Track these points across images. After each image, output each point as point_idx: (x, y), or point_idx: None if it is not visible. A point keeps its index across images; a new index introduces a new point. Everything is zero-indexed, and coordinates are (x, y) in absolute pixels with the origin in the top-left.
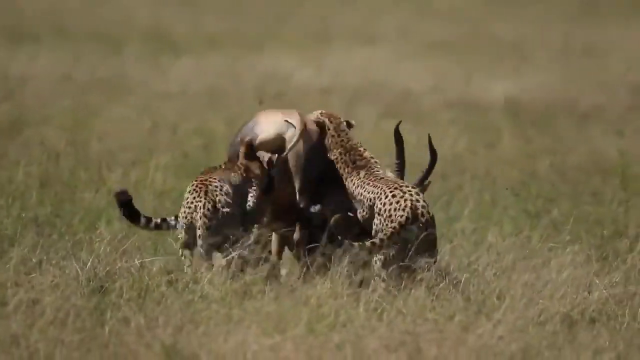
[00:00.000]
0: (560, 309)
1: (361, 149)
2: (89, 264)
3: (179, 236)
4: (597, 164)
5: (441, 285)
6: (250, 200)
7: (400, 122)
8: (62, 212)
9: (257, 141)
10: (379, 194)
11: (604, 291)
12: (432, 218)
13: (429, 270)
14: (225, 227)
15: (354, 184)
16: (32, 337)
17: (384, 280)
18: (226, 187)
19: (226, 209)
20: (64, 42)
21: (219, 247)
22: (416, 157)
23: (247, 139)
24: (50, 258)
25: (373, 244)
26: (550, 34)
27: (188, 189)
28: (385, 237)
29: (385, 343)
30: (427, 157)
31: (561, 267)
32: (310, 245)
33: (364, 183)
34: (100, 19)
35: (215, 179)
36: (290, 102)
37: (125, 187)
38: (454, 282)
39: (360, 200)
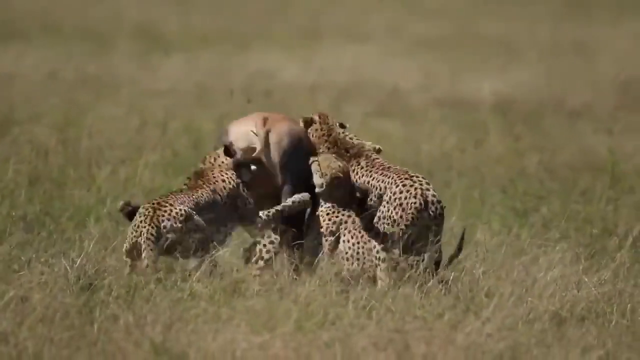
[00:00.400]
0: (549, 307)
1: (349, 138)
2: (78, 261)
3: (124, 246)
4: (586, 161)
5: (430, 283)
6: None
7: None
8: (51, 210)
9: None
10: (389, 183)
11: (593, 289)
12: (442, 209)
13: (418, 267)
14: (172, 248)
15: (356, 174)
16: (20, 335)
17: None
18: (176, 210)
19: (171, 234)
20: (52, 40)
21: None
22: (404, 155)
23: (221, 146)
24: (39, 256)
25: (394, 233)
26: (538, 32)
27: (139, 210)
28: (404, 226)
29: (374, 341)
30: (417, 159)
31: (550, 265)
32: (297, 242)
33: (369, 172)
34: (90, 16)
35: (167, 202)
36: (279, 100)
37: (115, 186)
38: (443, 280)
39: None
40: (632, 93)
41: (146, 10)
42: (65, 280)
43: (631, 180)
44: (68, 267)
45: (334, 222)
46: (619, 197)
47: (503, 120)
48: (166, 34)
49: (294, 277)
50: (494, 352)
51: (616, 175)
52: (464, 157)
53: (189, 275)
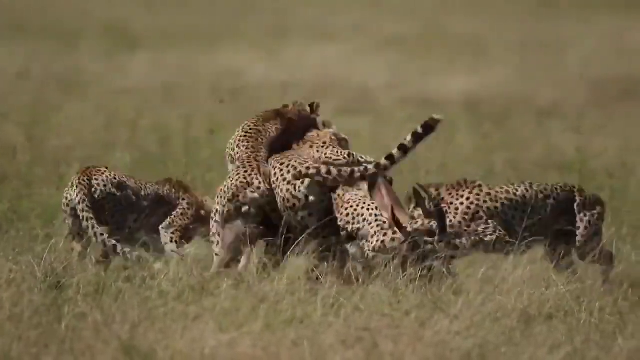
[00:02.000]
0: (517, 305)
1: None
2: (45, 258)
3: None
4: (555, 160)
5: (398, 280)
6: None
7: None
8: (19, 208)
9: None
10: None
11: (561, 287)
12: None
13: (386, 266)
14: (105, 207)
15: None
16: None
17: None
18: (107, 173)
19: (102, 188)
20: (19, 38)
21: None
22: (372, 154)
23: None
24: (7, 254)
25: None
26: (507, 30)
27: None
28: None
29: (342, 339)
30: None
31: (518, 263)
32: (269, 239)
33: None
34: (57, 15)
35: (98, 170)
36: (247, 99)
37: None
38: (411, 277)
39: None
40: (601, 92)
41: (113, 8)
42: (33, 278)
43: (599, 179)
44: (36, 265)
45: None
46: None
47: (471, 118)
48: (133, 32)
49: (270, 271)
50: (462, 349)
51: (584, 174)
52: (432, 155)
53: (158, 271)
